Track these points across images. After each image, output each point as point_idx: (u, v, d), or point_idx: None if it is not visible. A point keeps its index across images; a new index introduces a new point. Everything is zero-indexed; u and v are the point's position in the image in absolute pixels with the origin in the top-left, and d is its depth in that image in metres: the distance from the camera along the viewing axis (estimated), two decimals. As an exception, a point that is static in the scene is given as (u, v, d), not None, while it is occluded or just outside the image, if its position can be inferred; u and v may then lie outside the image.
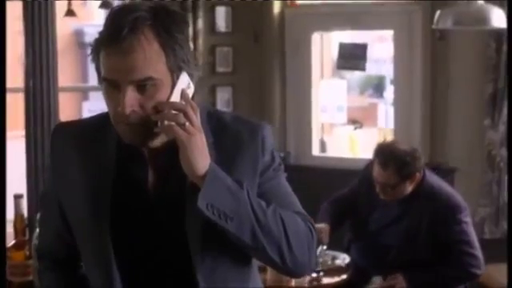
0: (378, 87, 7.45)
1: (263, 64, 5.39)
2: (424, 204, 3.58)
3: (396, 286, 3.57)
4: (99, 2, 4.52)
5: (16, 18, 3.23)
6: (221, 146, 1.69)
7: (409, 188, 3.58)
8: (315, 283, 3.56)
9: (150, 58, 1.58)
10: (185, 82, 1.65)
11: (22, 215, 2.90)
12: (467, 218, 3.61)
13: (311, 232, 1.74)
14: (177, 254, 1.69)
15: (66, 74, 6.85)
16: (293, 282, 3.52)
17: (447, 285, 3.64)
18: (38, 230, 2.72)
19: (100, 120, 1.76)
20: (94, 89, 5.95)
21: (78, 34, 8.53)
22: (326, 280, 3.60)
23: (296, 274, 1.79)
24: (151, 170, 1.71)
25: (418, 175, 3.57)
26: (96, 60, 1.64)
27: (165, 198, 1.70)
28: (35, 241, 2.76)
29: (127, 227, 1.71)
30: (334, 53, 5.32)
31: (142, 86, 1.59)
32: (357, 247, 3.84)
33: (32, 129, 3.07)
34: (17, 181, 3.25)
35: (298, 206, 1.78)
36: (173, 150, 1.63)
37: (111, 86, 1.61)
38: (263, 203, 1.67)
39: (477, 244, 3.62)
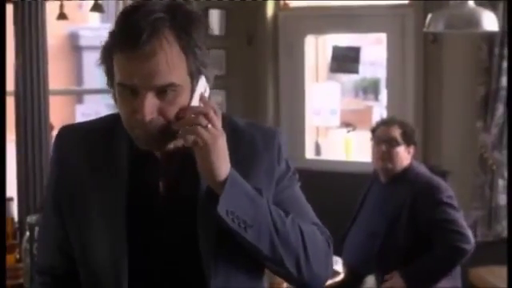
0: (373, 90, 7.45)
1: (257, 67, 5.39)
2: (406, 187, 3.69)
3: (394, 285, 3.59)
4: (91, 4, 4.51)
5: (8, 20, 3.23)
6: (237, 152, 1.60)
7: (405, 158, 3.76)
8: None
9: (172, 62, 1.50)
10: (203, 86, 1.59)
11: (13, 218, 2.90)
12: (450, 200, 3.64)
13: (328, 244, 1.70)
14: (188, 261, 1.62)
15: (60, 76, 6.84)
16: (284, 285, 3.51)
17: (442, 269, 3.61)
18: (28, 233, 2.74)
19: (108, 122, 1.69)
20: (87, 92, 5.94)
21: (73, 37, 8.51)
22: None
23: (310, 286, 1.69)
24: (163, 174, 1.64)
25: (414, 149, 3.82)
26: (107, 63, 1.55)
27: (176, 203, 1.63)
28: (25, 244, 2.77)
29: (138, 230, 1.62)
30: (329, 56, 5.32)
31: (162, 91, 1.51)
32: (346, 244, 3.89)
33: (22, 132, 3.06)
34: (8, 184, 3.24)
35: (314, 217, 1.73)
36: (185, 154, 1.58)
37: (127, 91, 1.52)
38: (282, 213, 1.61)
39: (463, 223, 3.62)
